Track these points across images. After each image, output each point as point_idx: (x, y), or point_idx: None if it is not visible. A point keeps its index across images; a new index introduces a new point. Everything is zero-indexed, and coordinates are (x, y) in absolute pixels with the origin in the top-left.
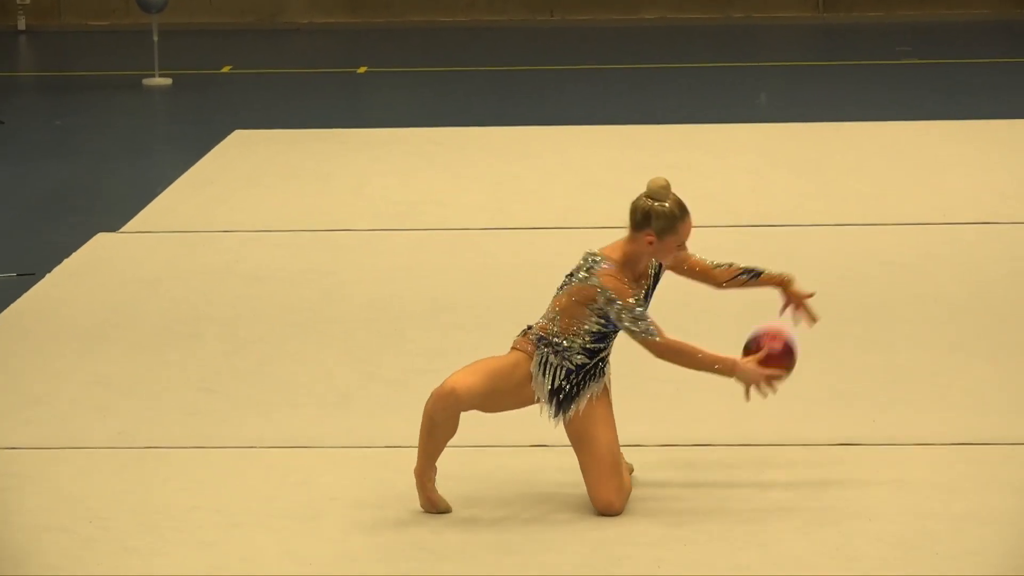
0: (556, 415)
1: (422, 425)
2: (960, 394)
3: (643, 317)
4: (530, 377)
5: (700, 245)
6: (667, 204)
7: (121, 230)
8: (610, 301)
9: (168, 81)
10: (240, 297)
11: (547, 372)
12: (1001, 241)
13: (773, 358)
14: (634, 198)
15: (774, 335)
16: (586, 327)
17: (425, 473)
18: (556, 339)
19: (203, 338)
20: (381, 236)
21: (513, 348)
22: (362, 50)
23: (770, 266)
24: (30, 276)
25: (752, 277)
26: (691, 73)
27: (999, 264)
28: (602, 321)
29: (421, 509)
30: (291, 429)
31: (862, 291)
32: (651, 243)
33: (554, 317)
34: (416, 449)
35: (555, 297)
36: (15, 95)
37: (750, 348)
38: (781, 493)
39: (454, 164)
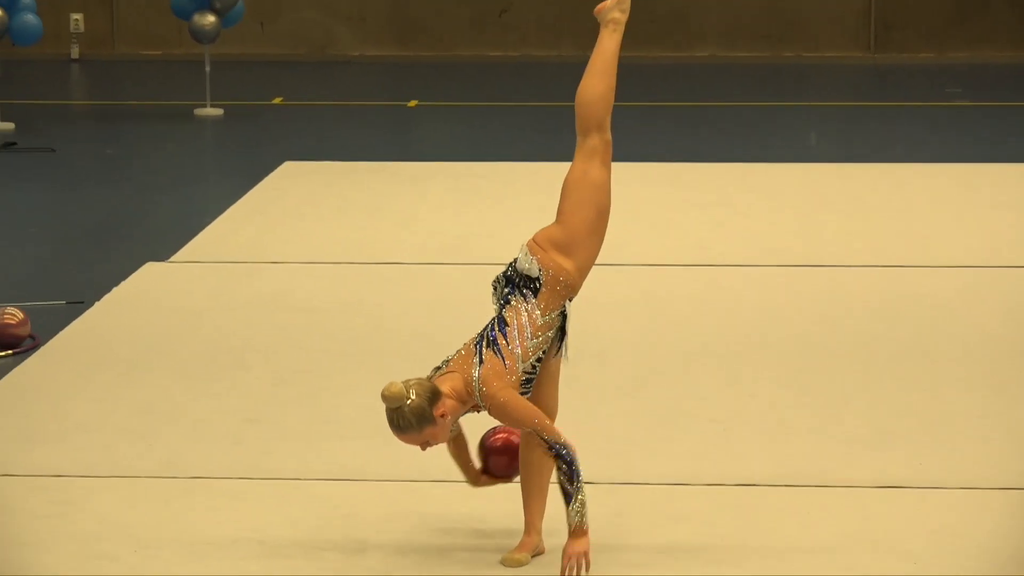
0: None
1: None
2: (1004, 437)
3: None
4: None
5: (746, 283)
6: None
7: (170, 259)
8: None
9: (219, 111)
10: (286, 328)
11: None
12: None
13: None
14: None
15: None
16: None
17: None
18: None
19: (249, 368)
20: (428, 269)
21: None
22: (412, 83)
23: (816, 305)
24: (79, 304)
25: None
26: (741, 112)
27: None
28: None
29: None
30: (336, 461)
31: (906, 331)
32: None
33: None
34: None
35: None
36: (67, 123)
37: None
38: (824, 534)
39: (502, 198)
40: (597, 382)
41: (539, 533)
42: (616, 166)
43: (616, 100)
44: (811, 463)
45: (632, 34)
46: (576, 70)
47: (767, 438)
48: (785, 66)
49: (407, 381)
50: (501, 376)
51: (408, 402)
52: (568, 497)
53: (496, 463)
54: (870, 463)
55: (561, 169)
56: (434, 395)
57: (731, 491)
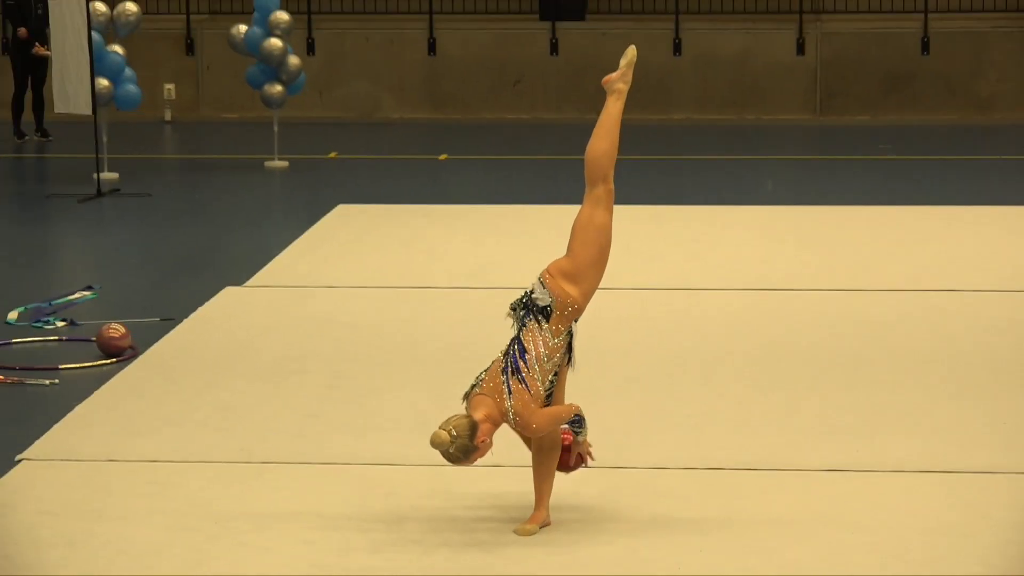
0: None
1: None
2: (928, 428)
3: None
4: None
5: (717, 303)
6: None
7: (245, 284)
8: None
9: (285, 164)
10: (339, 341)
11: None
12: (965, 304)
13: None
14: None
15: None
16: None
17: None
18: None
19: (309, 373)
20: (455, 293)
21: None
22: (443, 141)
23: (774, 322)
24: (170, 321)
25: None
26: (712, 164)
27: (962, 323)
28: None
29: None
30: (381, 449)
31: (848, 343)
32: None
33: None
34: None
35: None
36: (161, 174)
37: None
38: (779, 508)
39: (518, 235)
40: (595, 384)
41: (547, 509)
42: (615, 208)
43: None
44: (769, 450)
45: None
46: (578, 131)
47: (733, 430)
48: (747, 127)
49: (448, 421)
50: (528, 404)
51: (452, 446)
52: (578, 431)
53: (562, 460)
54: (819, 450)
55: (566, 211)
56: (473, 429)
57: (703, 473)
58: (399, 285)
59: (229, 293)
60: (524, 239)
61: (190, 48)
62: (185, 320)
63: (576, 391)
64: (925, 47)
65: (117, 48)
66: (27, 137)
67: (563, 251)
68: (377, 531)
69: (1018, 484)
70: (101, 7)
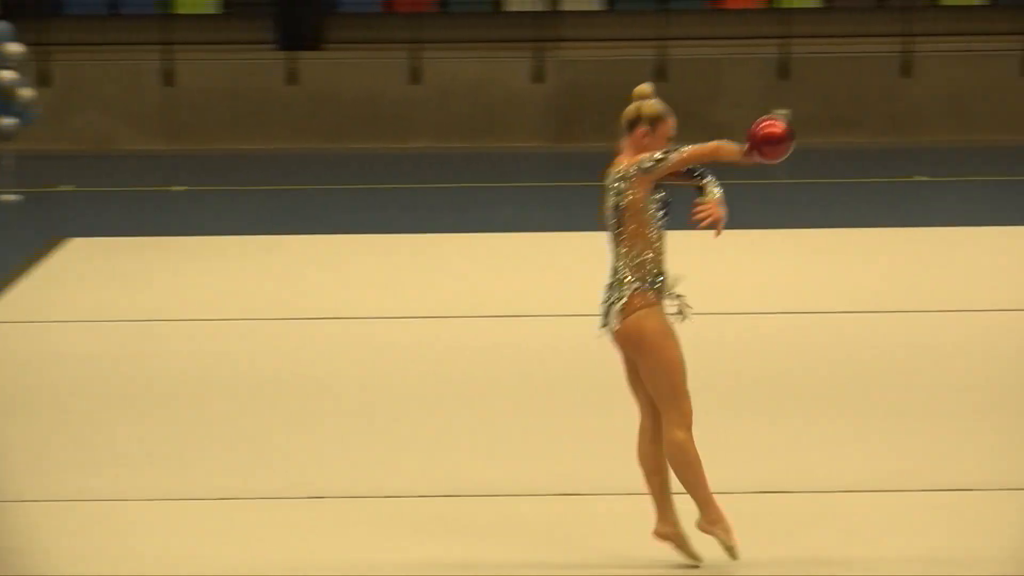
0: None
1: (685, 470)
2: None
3: (664, 151)
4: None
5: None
6: (652, 101)
7: None
8: (640, 164)
9: (17, 196)
10: (68, 376)
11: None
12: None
13: (774, 138)
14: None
15: (772, 122)
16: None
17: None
18: (644, 264)
19: (36, 408)
20: (190, 325)
21: (648, 312)
22: (179, 172)
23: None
24: None
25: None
26: (452, 191)
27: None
28: (658, 200)
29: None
30: (113, 484)
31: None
32: (646, 134)
33: (632, 249)
34: None
35: (616, 238)
36: None
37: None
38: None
39: (254, 264)
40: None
41: (716, 508)
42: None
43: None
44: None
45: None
46: (316, 160)
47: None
48: (486, 154)
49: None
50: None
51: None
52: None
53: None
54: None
55: (303, 241)
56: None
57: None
58: (132, 319)
59: None
60: (260, 269)
61: None
62: None
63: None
64: (660, 73)
65: None
66: None
67: (304, 280)
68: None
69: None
70: None
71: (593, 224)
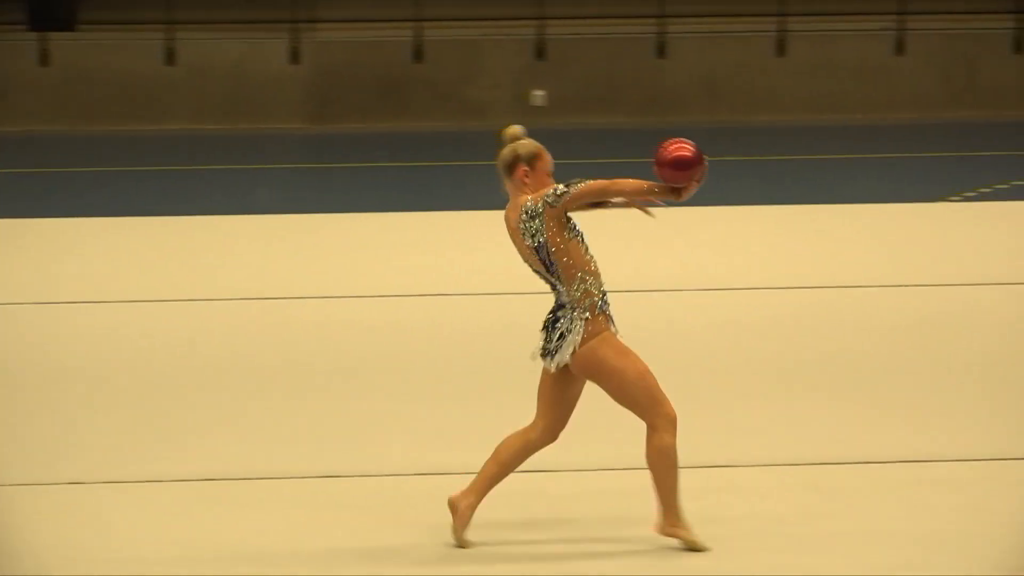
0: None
1: (665, 470)
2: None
3: (566, 183)
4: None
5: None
6: (525, 141)
7: None
8: (545, 199)
9: None
10: None
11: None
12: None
13: (683, 161)
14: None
15: (681, 144)
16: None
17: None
18: (589, 291)
19: None
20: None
21: (600, 340)
22: None
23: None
24: None
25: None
26: (206, 173)
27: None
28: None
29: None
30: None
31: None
32: (526, 174)
33: (572, 282)
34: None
35: (551, 277)
36: None
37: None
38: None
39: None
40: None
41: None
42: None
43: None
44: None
45: None
46: (68, 141)
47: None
48: (243, 136)
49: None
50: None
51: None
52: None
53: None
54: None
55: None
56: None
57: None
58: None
59: None
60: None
61: None
62: None
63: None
64: (418, 55)
65: None
66: None
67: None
68: None
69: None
70: None
71: (352, 205)
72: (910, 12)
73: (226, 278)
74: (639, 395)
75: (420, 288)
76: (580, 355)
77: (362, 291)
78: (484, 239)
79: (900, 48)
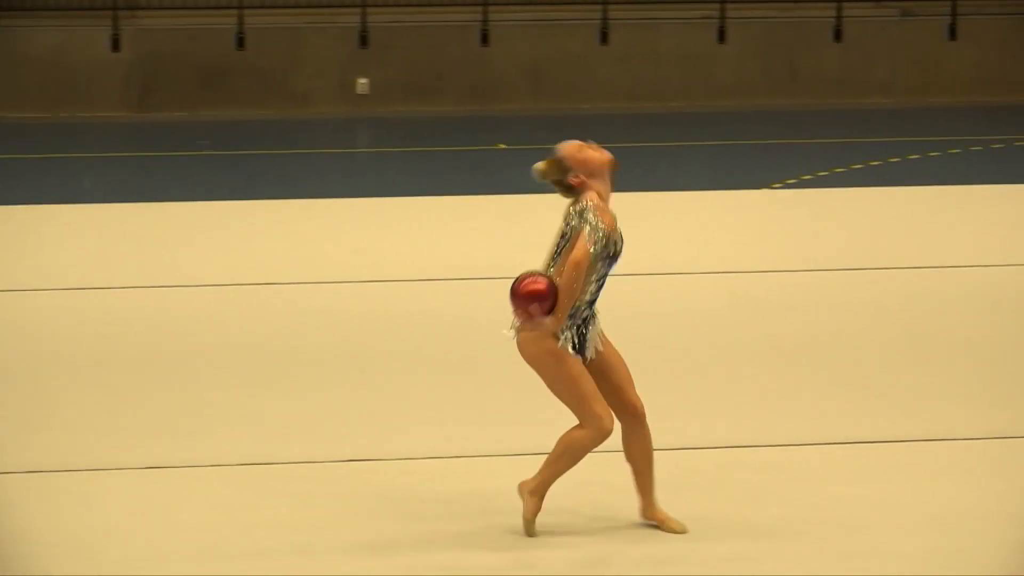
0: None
1: (563, 454)
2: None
3: (598, 240)
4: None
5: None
6: (556, 151)
7: None
8: (582, 213)
9: None
10: None
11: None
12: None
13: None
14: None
15: (533, 279)
16: (592, 277)
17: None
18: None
19: None
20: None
21: (527, 341)
22: None
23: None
24: None
25: None
26: (31, 163)
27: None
28: (604, 262)
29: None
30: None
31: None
32: (582, 182)
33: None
34: None
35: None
36: None
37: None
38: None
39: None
40: None
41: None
42: None
43: None
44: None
45: None
46: None
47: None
48: (63, 124)
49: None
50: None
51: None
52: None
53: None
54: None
55: None
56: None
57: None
58: None
59: None
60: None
61: None
62: None
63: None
64: (240, 43)
65: None
66: None
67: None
68: None
69: None
70: None
71: (180, 194)
72: (732, 1)
73: (35, 269)
74: (568, 399)
75: (243, 278)
76: (520, 344)
77: (180, 280)
78: (309, 227)
79: (722, 37)
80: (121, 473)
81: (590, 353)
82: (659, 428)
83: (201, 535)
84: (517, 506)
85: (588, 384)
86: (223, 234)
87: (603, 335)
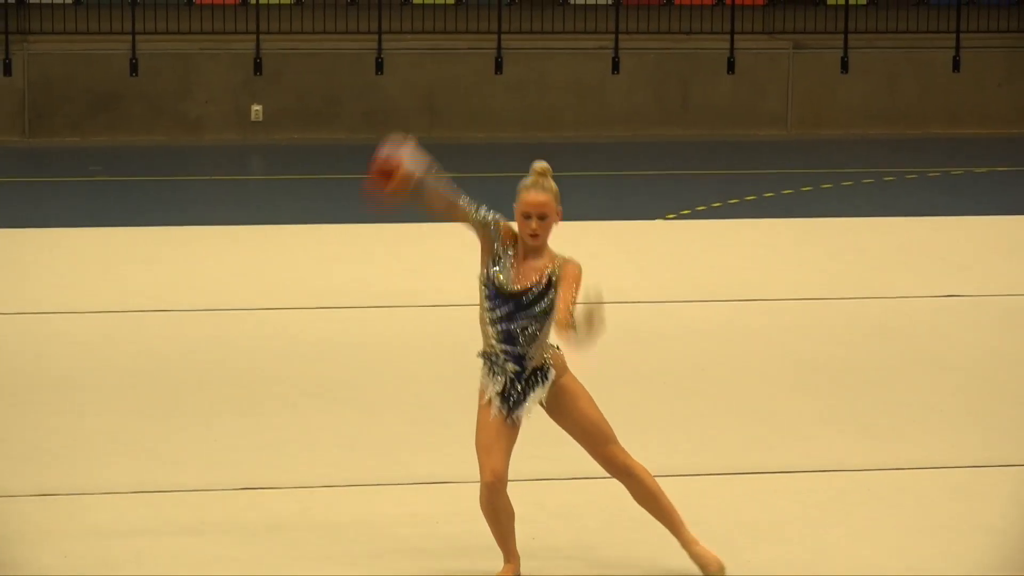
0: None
1: (489, 520)
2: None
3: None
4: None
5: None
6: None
7: None
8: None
9: None
10: None
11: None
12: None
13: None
14: None
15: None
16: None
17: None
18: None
19: None
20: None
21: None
22: None
23: None
24: None
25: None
26: None
27: None
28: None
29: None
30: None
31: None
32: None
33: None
34: None
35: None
36: None
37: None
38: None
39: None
40: None
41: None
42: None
43: None
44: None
45: None
46: None
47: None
48: None
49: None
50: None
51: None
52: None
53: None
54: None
55: None
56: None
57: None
58: None
59: None
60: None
61: None
62: None
63: None
64: (134, 68)
65: None
66: None
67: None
68: None
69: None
70: None
71: (71, 220)
72: (626, 32)
73: None
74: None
75: (131, 304)
76: None
77: (66, 308)
78: (201, 253)
79: (616, 67)
80: (8, 501)
81: (521, 413)
82: (550, 457)
83: (89, 563)
84: (410, 533)
85: (487, 432)
86: (114, 260)
87: (571, 395)
